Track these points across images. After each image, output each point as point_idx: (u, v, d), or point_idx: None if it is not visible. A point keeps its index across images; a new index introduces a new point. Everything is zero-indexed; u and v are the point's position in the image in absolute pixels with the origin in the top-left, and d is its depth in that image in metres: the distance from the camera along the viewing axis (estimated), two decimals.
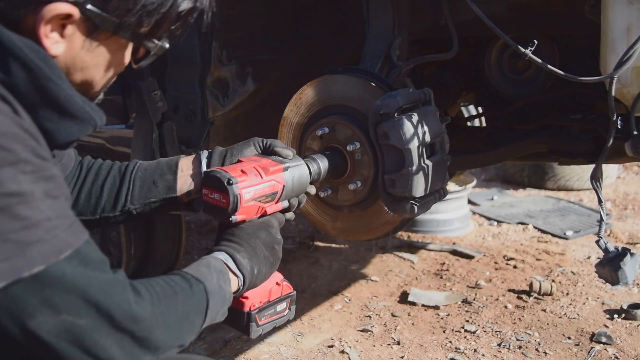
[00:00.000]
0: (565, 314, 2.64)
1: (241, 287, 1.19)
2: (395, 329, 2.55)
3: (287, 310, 1.33)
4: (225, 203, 1.23)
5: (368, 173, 1.74)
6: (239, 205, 1.23)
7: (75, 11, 0.98)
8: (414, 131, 1.67)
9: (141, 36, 1.08)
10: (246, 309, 1.25)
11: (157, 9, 1.06)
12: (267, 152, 1.40)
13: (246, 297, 1.25)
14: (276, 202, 1.33)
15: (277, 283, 1.32)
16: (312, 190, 1.45)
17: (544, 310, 2.68)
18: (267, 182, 1.29)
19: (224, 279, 1.14)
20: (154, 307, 0.98)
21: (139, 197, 1.33)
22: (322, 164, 1.57)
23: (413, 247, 3.42)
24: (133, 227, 2.66)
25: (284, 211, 1.36)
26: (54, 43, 0.99)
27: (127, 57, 1.11)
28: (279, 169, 1.33)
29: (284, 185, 1.33)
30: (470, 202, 4.09)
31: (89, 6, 0.99)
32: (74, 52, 1.02)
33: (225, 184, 1.23)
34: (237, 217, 1.24)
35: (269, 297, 1.29)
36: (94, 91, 1.10)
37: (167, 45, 1.13)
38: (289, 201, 1.36)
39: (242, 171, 1.27)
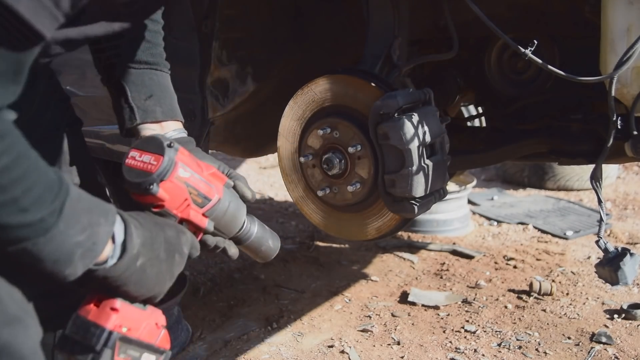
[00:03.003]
0: (565, 314, 2.64)
1: (109, 262, 0.88)
2: (395, 329, 2.55)
3: None
4: (154, 166, 1.01)
5: (367, 175, 1.74)
6: (168, 174, 1.01)
7: None
8: (414, 131, 1.67)
9: None
10: (108, 326, 0.92)
11: None
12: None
13: (116, 310, 0.93)
14: (203, 213, 1.09)
15: (156, 324, 1.01)
16: (233, 251, 1.20)
17: (544, 310, 2.68)
18: (205, 179, 1.10)
19: (97, 220, 0.85)
20: None
21: None
22: (257, 226, 1.25)
23: (413, 247, 3.42)
24: None
25: (202, 243, 1.11)
26: None
27: None
28: (221, 178, 1.15)
29: (219, 199, 1.11)
30: (470, 202, 4.09)
31: None
32: None
33: (166, 145, 1.03)
34: (158, 189, 1.01)
35: (140, 335, 0.97)
36: None
37: None
38: (213, 233, 1.13)
39: (187, 151, 1.10)
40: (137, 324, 0.96)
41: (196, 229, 1.09)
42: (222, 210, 1.12)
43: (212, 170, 1.14)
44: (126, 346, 0.93)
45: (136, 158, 1.03)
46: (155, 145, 1.03)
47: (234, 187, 1.18)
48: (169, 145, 1.03)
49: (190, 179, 1.06)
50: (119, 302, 0.93)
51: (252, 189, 1.23)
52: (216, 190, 1.11)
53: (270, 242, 1.24)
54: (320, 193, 1.81)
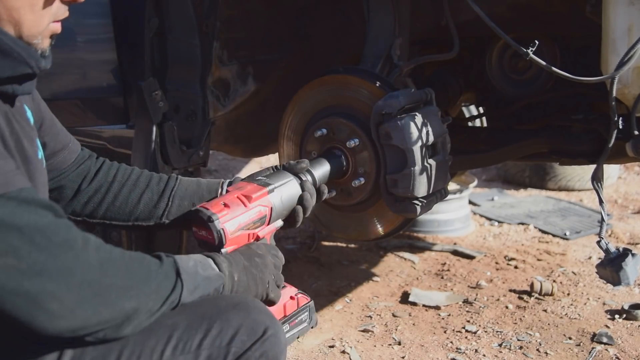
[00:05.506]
0: (566, 314, 2.64)
1: (221, 288, 1.19)
2: (396, 329, 2.55)
3: (308, 320, 1.36)
4: (212, 239, 1.27)
5: (370, 169, 1.74)
6: (224, 239, 1.26)
7: None
8: (417, 131, 1.67)
9: None
10: None
11: None
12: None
13: None
14: (268, 224, 1.35)
15: (291, 297, 1.35)
16: (325, 193, 1.53)
17: (545, 311, 2.68)
18: (251, 209, 1.32)
19: (204, 267, 1.15)
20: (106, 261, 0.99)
21: (176, 213, 1.40)
22: (321, 169, 1.57)
23: (414, 248, 3.42)
24: None
25: (289, 222, 1.43)
26: None
27: None
28: (263, 193, 1.34)
29: (271, 208, 1.35)
30: (471, 202, 4.09)
31: None
32: None
33: (207, 221, 1.26)
34: (227, 249, 1.27)
35: (285, 312, 1.32)
36: (28, 31, 1.07)
37: None
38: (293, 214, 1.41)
39: (225, 204, 1.29)
40: (278, 312, 1.30)
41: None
42: (278, 210, 1.36)
43: (255, 193, 1.33)
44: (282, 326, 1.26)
45: (199, 232, 1.29)
46: (202, 221, 1.27)
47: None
48: (210, 220, 1.26)
49: (241, 224, 1.29)
50: None
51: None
52: (264, 205, 1.34)
53: (325, 169, 1.59)
54: (327, 195, 1.81)
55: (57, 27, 1.12)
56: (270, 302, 1.28)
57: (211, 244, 1.27)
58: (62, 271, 0.93)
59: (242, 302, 1.17)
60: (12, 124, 1.08)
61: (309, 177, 1.50)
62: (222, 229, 1.26)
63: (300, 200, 1.42)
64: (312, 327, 1.37)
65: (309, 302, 1.36)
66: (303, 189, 1.43)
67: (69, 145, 1.38)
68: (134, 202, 1.39)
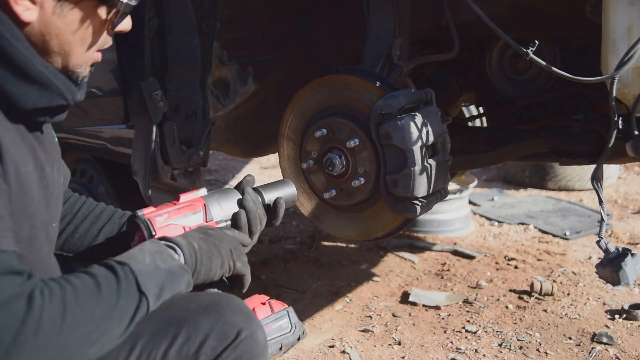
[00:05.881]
0: (566, 314, 2.64)
1: (190, 278, 1.12)
2: (396, 329, 2.55)
3: (291, 328, 1.25)
4: (142, 235, 1.23)
5: (370, 169, 1.74)
6: (152, 229, 1.22)
7: None
8: (417, 131, 1.67)
9: None
10: None
11: None
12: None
13: None
14: (207, 221, 1.29)
15: (262, 303, 1.25)
16: (281, 205, 1.40)
17: (545, 311, 2.68)
18: (181, 204, 1.29)
19: (162, 258, 1.08)
20: (65, 312, 0.93)
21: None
22: (268, 185, 1.48)
23: (414, 248, 3.42)
24: None
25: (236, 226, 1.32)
26: (25, 10, 1.01)
27: (102, 23, 1.11)
28: (192, 193, 1.33)
29: (205, 204, 1.30)
30: (471, 202, 4.09)
31: None
32: (47, 18, 1.04)
33: (133, 217, 1.27)
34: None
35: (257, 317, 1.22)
36: (74, 62, 1.11)
37: (134, 3, 1.12)
38: (245, 226, 1.31)
39: (154, 207, 1.29)
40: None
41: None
42: (215, 207, 1.31)
43: (184, 194, 1.32)
44: None
45: (133, 242, 1.26)
46: (131, 223, 1.28)
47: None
48: (134, 216, 1.26)
49: (171, 216, 1.26)
50: None
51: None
52: (195, 201, 1.30)
53: (282, 193, 1.44)
54: (326, 195, 1.81)
55: (99, 56, 1.17)
56: (239, 276, 1.22)
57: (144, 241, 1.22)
58: (17, 342, 0.88)
59: (214, 303, 1.10)
60: (37, 154, 1.10)
61: (251, 189, 1.40)
62: (148, 219, 1.23)
63: (241, 203, 1.34)
64: (299, 339, 1.27)
65: (286, 308, 1.26)
66: (243, 193, 1.35)
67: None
68: (93, 235, 1.37)
